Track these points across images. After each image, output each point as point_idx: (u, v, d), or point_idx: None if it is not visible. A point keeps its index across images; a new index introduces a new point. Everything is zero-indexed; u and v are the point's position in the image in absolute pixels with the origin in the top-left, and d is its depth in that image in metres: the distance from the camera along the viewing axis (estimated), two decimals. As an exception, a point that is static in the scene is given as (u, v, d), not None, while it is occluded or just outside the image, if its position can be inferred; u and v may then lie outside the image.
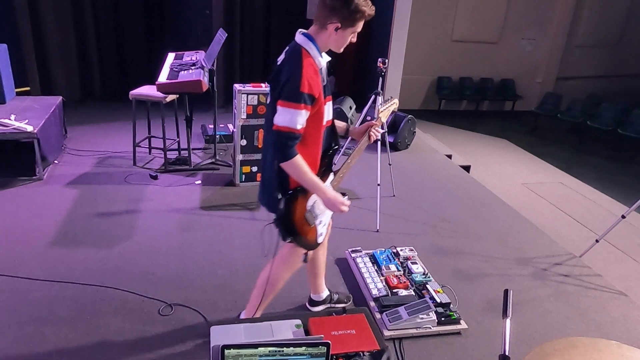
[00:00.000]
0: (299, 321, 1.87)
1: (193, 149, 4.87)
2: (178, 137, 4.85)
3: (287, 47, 2.04)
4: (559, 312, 2.95)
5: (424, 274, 3.02)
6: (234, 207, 3.98)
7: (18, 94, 5.06)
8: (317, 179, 2.00)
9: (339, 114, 5.69)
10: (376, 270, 3.04)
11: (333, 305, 2.73)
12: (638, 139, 7.98)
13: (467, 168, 5.79)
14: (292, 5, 7.37)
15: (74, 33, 6.39)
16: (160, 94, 4.20)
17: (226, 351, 1.46)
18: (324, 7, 1.94)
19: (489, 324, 2.77)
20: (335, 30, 1.95)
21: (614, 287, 3.30)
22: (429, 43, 9.32)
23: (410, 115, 5.84)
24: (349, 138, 2.39)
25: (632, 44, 11.05)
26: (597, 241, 3.68)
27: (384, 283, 2.91)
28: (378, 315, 2.63)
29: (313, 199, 2.10)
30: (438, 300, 2.73)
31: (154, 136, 4.89)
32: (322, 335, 1.70)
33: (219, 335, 1.70)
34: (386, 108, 2.39)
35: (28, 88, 5.80)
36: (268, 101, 2.08)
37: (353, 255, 3.21)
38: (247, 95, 4.09)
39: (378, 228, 3.78)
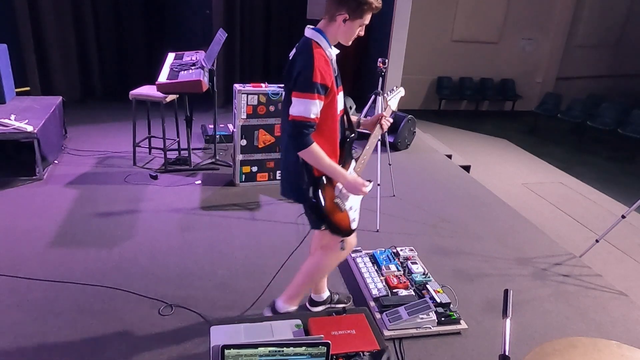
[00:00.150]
0: (299, 321, 1.87)
1: (193, 149, 4.87)
2: (178, 137, 4.85)
3: (298, 43, 2.10)
4: (559, 312, 2.95)
5: (424, 274, 3.02)
6: (234, 207, 3.98)
7: (18, 94, 5.06)
8: (335, 165, 2.07)
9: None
10: (376, 270, 3.04)
11: (333, 305, 2.73)
12: (638, 139, 7.97)
13: (467, 168, 5.79)
14: (292, 5, 7.38)
15: (74, 33, 6.40)
16: (160, 94, 4.20)
17: (226, 351, 1.46)
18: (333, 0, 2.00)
19: (489, 324, 2.77)
20: (344, 22, 2.01)
21: (614, 287, 3.30)
22: (429, 43, 9.32)
23: (410, 115, 5.85)
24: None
25: (632, 44, 11.04)
26: (597, 241, 3.68)
27: (384, 283, 2.91)
28: (378, 315, 2.63)
29: (340, 185, 2.15)
30: (438, 300, 2.73)
31: (154, 136, 4.90)
32: (322, 335, 1.70)
33: (219, 335, 1.71)
34: (393, 96, 2.42)
35: (28, 88, 5.79)
36: (283, 98, 2.14)
37: (353, 255, 3.21)
38: (247, 95, 4.09)
39: (378, 228, 3.78)
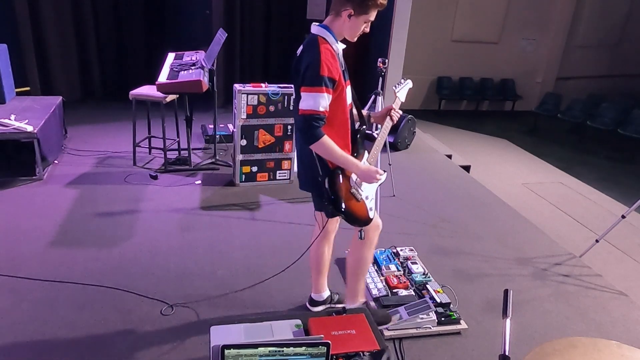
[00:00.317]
0: (299, 321, 1.87)
1: (193, 149, 4.87)
2: (178, 137, 4.85)
3: (305, 40, 2.14)
4: (559, 312, 2.95)
5: (424, 274, 3.02)
6: (234, 207, 3.98)
7: (18, 94, 5.06)
8: (348, 155, 2.10)
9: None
10: (376, 270, 3.04)
11: (333, 305, 2.73)
12: (638, 139, 7.97)
13: (467, 168, 5.79)
14: (292, 5, 7.38)
15: (74, 33, 6.40)
16: (160, 94, 4.20)
17: (226, 351, 1.46)
18: None
19: (489, 324, 2.77)
20: (349, 17, 2.04)
21: (614, 287, 3.30)
22: (429, 43, 9.32)
23: (410, 115, 5.85)
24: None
25: (632, 44, 11.04)
26: (597, 241, 3.68)
27: (384, 283, 2.91)
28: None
29: (354, 175, 2.19)
30: (438, 300, 2.73)
31: (154, 136, 4.90)
32: (322, 335, 1.70)
33: (219, 335, 1.71)
34: (401, 88, 2.44)
35: (28, 88, 5.79)
36: (293, 95, 2.18)
37: (353, 255, 3.21)
38: (247, 95, 4.09)
39: (378, 228, 3.78)
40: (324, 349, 1.53)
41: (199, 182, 4.43)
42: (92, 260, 3.08)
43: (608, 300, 3.13)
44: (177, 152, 4.88)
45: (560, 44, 10.30)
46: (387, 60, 3.92)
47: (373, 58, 5.04)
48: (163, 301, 2.73)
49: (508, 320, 1.41)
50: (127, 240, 3.36)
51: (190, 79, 4.04)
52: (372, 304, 2.74)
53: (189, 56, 4.87)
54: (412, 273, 3.02)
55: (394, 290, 2.84)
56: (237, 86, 4.11)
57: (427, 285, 2.88)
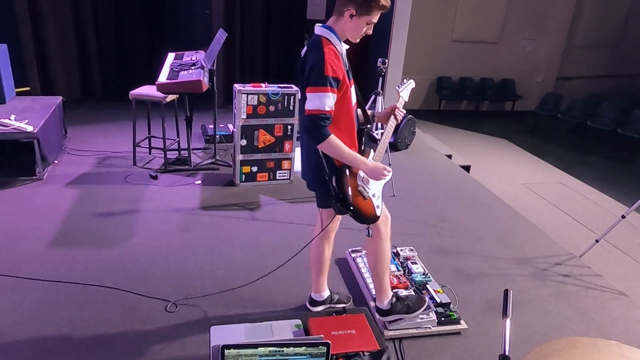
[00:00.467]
0: (299, 321, 1.87)
1: (193, 149, 4.87)
2: (178, 137, 4.85)
3: (309, 41, 2.16)
4: (559, 312, 2.95)
5: (424, 274, 3.02)
6: (234, 207, 3.98)
7: (18, 94, 5.06)
8: (355, 154, 2.11)
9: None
10: (376, 270, 3.03)
11: (333, 305, 2.73)
12: (638, 139, 7.97)
13: (467, 168, 5.79)
14: (292, 5, 7.38)
15: (74, 33, 6.39)
16: (160, 94, 4.20)
17: (226, 351, 1.46)
18: None
19: (489, 324, 2.77)
20: (351, 18, 2.05)
21: (614, 287, 3.30)
22: (429, 43, 9.32)
23: (410, 115, 5.84)
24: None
25: (632, 44, 11.05)
26: (597, 241, 3.68)
27: (384, 283, 2.91)
28: (378, 316, 2.63)
29: (361, 173, 2.20)
30: (438, 300, 2.73)
31: (154, 136, 4.89)
32: (322, 335, 1.70)
33: (219, 335, 1.71)
34: (404, 88, 2.46)
35: (28, 88, 5.79)
36: (299, 97, 2.19)
37: (353, 255, 3.21)
38: (247, 95, 4.09)
39: (378, 228, 3.78)
40: (324, 349, 1.53)
41: (199, 182, 4.43)
42: (92, 260, 3.08)
43: (608, 300, 3.13)
44: (177, 152, 4.88)
45: (560, 44, 10.30)
46: (387, 60, 3.93)
47: (373, 58, 5.04)
48: (164, 299, 2.73)
49: (508, 320, 1.41)
50: (127, 240, 3.36)
51: (190, 79, 4.04)
52: (372, 304, 2.74)
53: (189, 56, 4.88)
54: (412, 273, 3.02)
55: (394, 291, 2.84)
56: (237, 86, 4.11)
57: (427, 285, 2.88)
